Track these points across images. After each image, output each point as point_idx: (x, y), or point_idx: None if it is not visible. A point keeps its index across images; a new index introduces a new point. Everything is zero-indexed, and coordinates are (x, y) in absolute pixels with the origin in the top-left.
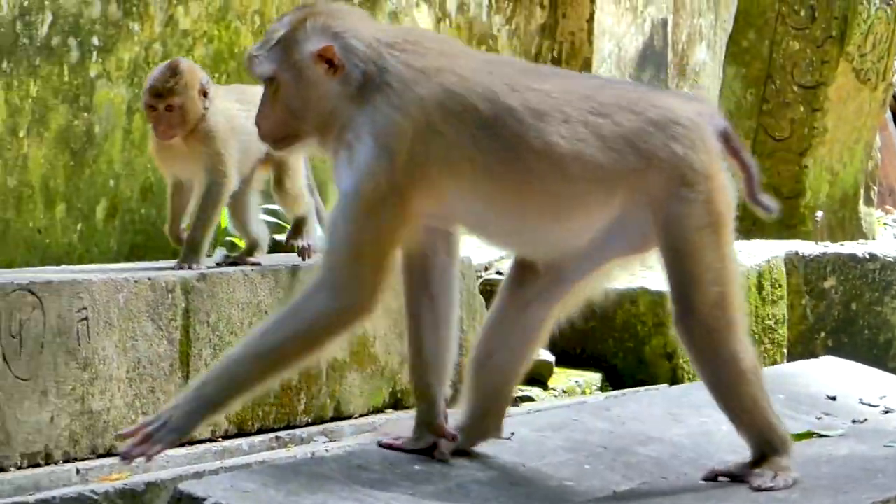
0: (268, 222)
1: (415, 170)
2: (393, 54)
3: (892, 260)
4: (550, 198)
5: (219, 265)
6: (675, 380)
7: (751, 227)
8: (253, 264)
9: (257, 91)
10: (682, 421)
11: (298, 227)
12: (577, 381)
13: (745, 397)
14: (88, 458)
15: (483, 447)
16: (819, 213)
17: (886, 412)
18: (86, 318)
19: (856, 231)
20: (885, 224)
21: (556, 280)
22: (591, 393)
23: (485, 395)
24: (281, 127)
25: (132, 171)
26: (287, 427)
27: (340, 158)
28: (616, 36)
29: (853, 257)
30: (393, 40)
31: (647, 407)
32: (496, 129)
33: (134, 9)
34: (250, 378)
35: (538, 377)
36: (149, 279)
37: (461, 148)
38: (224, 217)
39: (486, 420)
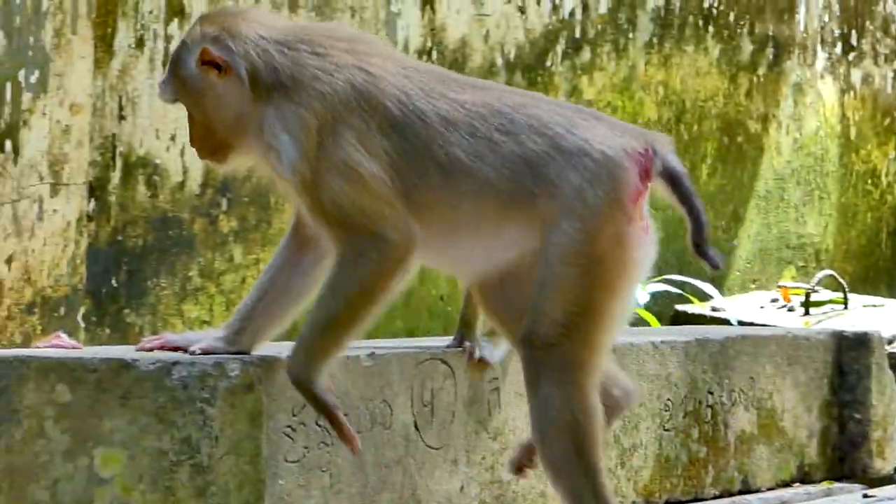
0: (669, 292)
1: (331, 159)
2: (283, 52)
3: None
4: (448, 210)
5: None
6: None
7: None
8: None
9: None
10: None
11: None
12: None
13: (560, 449)
14: None
15: None
16: None
17: None
18: (497, 389)
19: None
20: None
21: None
22: None
23: None
24: (208, 142)
25: None
26: (694, 500)
27: (270, 160)
28: None
29: None
30: (284, 38)
31: None
32: (405, 131)
33: (539, 79)
34: (330, 348)
35: None
36: None
37: (373, 141)
38: None
39: None
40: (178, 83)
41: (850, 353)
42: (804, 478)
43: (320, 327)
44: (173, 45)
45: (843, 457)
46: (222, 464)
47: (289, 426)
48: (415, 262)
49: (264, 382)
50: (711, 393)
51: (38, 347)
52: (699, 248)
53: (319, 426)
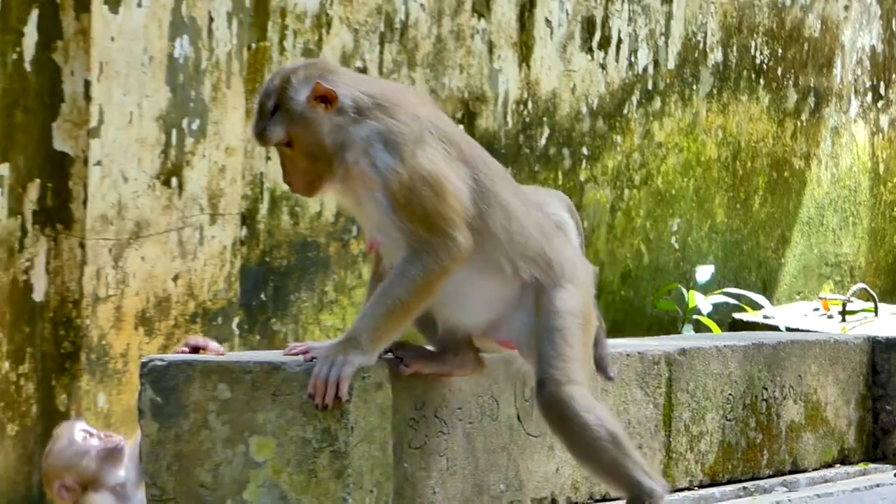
0: (727, 303)
1: (423, 167)
2: (374, 85)
3: None
4: (491, 247)
5: None
6: None
7: None
8: None
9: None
10: None
11: None
12: None
13: (610, 459)
14: (587, 503)
15: None
16: None
17: None
18: None
19: None
20: None
21: None
22: None
23: None
24: (309, 176)
25: (614, 259)
26: (752, 478)
27: (362, 167)
28: None
29: None
30: (370, 81)
31: None
32: (476, 169)
33: (617, 124)
34: (391, 330)
35: None
36: (638, 353)
37: (454, 164)
38: (693, 296)
39: None
40: (287, 122)
41: (883, 354)
42: (843, 460)
43: (386, 310)
44: None
45: (877, 442)
46: (357, 450)
47: (412, 418)
48: None
49: (392, 381)
50: (766, 388)
51: (179, 351)
52: (599, 362)
53: (437, 417)
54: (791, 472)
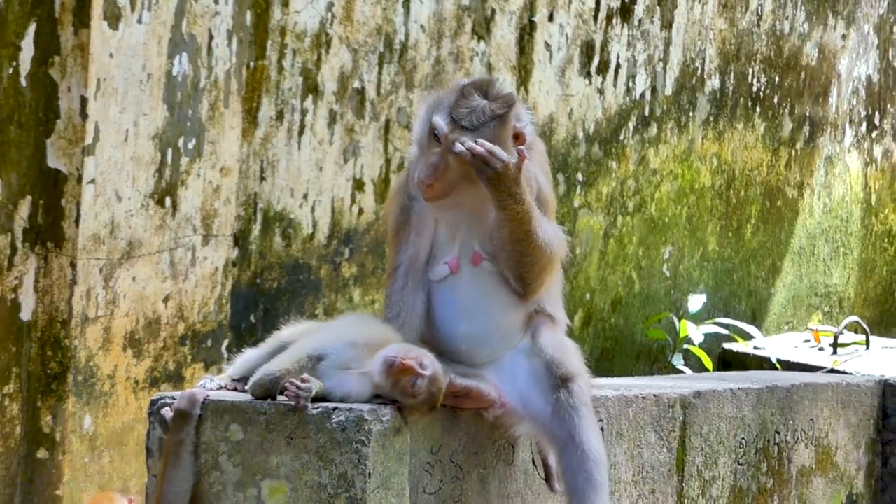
0: (718, 333)
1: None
2: None
3: None
4: None
5: None
6: None
7: None
8: None
9: None
10: None
11: None
12: None
13: None
14: None
15: None
16: None
17: None
18: (602, 430)
19: None
20: None
21: None
22: None
23: None
24: (450, 188)
25: (605, 286)
26: None
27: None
28: None
29: None
30: None
31: None
32: None
33: (613, 150)
34: None
35: None
36: (654, 395)
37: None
38: (684, 326)
39: None
40: (495, 138)
41: (894, 398)
42: None
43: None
44: (309, 118)
45: (885, 487)
46: (374, 496)
47: (428, 462)
48: None
49: (410, 425)
50: (778, 433)
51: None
52: (548, 481)
53: (453, 462)
54: None
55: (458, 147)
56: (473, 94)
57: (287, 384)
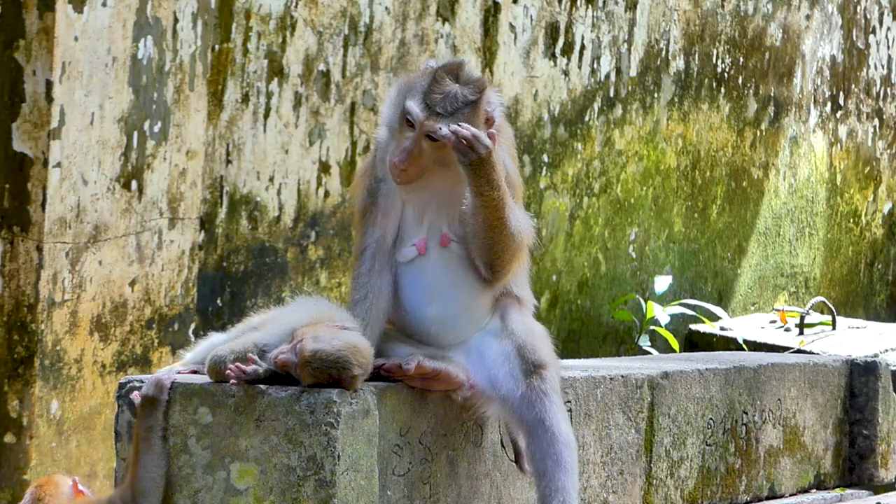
0: (685, 314)
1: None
2: None
3: None
4: None
5: None
6: None
7: None
8: None
9: None
10: None
11: None
12: None
13: None
14: None
15: None
16: None
17: None
18: (570, 410)
19: None
20: None
21: None
22: None
23: None
24: (423, 171)
25: (571, 268)
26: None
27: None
28: None
29: None
30: None
31: None
32: None
33: (578, 131)
34: None
35: None
36: (622, 376)
37: None
38: (651, 307)
39: None
40: (468, 122)
41: (861, 377)
42: (820, 485)
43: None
44: (274, 101)
45: (853, 467)
46: (343, 479)
47: (397, 444)
48: None
49: (379, 407)
50: (746, 413)
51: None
52: (517, 462)
53: (422, 444)
54: (768, 498)
55: (444, 131)
56: (445, 79)
57: (229, 367)
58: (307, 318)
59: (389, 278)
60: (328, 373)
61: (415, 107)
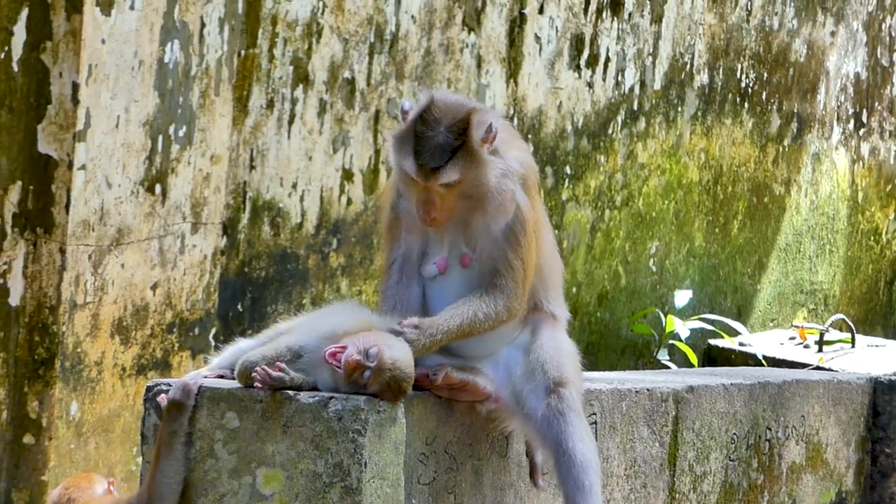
0: (704, 329)
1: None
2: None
3: None
4: None
5: None
6: None
7: None
8: None
9: None
10: None
11: None
12: None
13: None
14: None
15: None
16: None
17: None
18: (594, 423)
19: None
20: None
21: None
22: None
23: None
24: (451, 210)
25: (592, 280)
26: None
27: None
28: None
29: None
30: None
31: None
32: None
33: (601, 144)
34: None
35: None
36: (647, 390)
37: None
38: (671, 321)
39: None
40: (466, 164)
41: (885, 396)
42: (841, 502)
43: (456, 325)
44: (299, 107)
45: (875, 485)
46: (369, 486)
47: (423, 453)
48: None
49: (406, 416)
50: (769, 429)
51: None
52: (532, 476)
53: (447, 453)
54: None
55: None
56: (426, 132)
57: (256, 370)
58: (350, 323)
59: (417, 290)
60: (400, 383)
61: (410, 169)
